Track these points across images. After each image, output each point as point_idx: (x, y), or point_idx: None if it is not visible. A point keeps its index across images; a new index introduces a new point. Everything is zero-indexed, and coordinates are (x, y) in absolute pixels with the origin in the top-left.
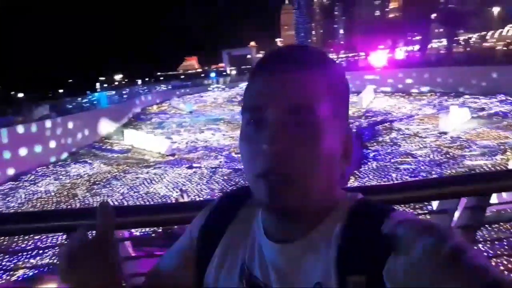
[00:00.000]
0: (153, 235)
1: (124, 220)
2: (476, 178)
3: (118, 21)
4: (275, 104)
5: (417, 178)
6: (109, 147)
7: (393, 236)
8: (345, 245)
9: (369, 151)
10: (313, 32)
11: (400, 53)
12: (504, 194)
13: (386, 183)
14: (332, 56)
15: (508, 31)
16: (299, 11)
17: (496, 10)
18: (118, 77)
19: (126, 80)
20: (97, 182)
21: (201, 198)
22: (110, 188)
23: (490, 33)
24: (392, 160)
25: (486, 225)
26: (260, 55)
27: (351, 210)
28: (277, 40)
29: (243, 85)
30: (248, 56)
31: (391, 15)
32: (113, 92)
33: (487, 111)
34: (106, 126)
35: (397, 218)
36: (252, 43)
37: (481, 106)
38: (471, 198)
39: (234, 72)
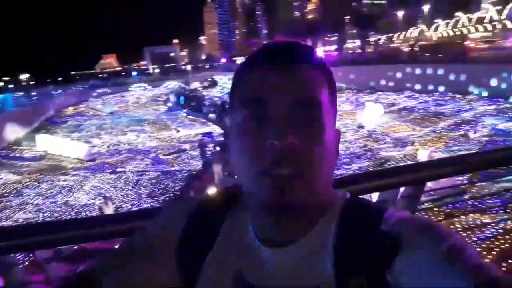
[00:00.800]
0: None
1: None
2: (414, 168)
3: (25, 16)
4: (281, 97)
5: (354, 173)
6: (18, 154)
7: (394, 236)
8: (343, 246)
9: None
10: (237, 31)
11: (319, 52)
12: (429, 183)
13: None
14: None
15: (411, 33)
16: (221, 9)
17: (400, 13)
18: (24, 76)
19: (34, 80)
20: (5, 194)
21: (128, 205)
22: (22, 200)
23: (396, 35)
24: None
25: (423, 212)
26: (184, 53)
27: (344, 209)
28: (201, 38)
29: (169, 83)
30: (172, 54)
31: (309, 16)
32: (20, 94)
33: (397, 106)
34: (13, 132)
35: (393, 217)
36: (175, 41)
37: (391, 102)
38: (408, 187)
39: (157, 70)
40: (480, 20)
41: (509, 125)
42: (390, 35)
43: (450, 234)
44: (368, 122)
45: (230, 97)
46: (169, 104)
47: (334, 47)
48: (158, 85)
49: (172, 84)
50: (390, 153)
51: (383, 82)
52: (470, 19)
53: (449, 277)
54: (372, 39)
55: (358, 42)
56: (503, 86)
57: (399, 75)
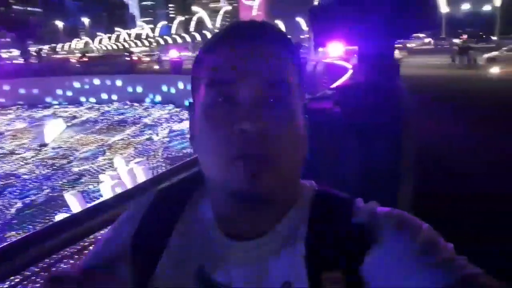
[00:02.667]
0: None
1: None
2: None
3: None
4: (252, 77)
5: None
6: None
7: (365, 228)
8: (314, 239)
9: None
10: None
11: None
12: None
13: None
14: None
15: (76, 44)
16: None
17: (60, 24)
18: None
19: None
20: None
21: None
22: None
23: (60, 45)
24: None
25: None
26: None
27: (314, 201)
28: None
29: None
30: None
31: None
32: None
33: (80, 118)
34: None
35: (364, 209)
36: None
37: (72, 115)
38: None
39: None
40: (139, 36)
41: (181, 125)
42: (53, 45)
43: (423, 228)
44: (51, 139)
45: (192, 78)
46: None
47: None
48: None
49: None
50: (83, 167)
51: (58, 94)
52: (129, 35)
53: (422, 273)
54: (33, 49)
55: (15, 52)
56: (172, 92)
57: (74, 86)
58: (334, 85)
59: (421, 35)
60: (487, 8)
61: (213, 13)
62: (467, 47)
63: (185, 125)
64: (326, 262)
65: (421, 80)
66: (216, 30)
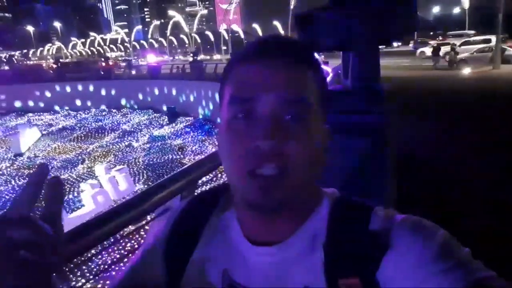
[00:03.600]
0: None
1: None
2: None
3: None
4: (270, 95)
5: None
6: None
7: (382, 234)
8: (332, 245)
9: None
10: None
11: None
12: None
13: None
14: None
15: (48, 49)
16: None
17: (30, 28)
18: None
19: None
20: None
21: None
22: None
23: (32, 51)
24: None
25: None
26: None
27: (333, 208)
28: None
29: None
30: None
31: None
32: None
33: (56, 126)
34: None
35: (382, 215)
36: None
37: (48, 122)
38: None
39: None
40: (114, 41)
41: (162, 131)
42: (25, 51)
43: (440, 232)
44: (26, 148)
45: (219, 93)
46: None
47: None
48: None
49: None
50: (62, 176)
51: (31, 102)
52: (104, 40)
53: (438, 277)
54: (3, 55)
55: None
56: (148, 98)
57: (49, 94)
58: None
59: None
60: (456, 10)
61: (190, 17)
62: (438, 48)
63: (165, 130)
64: (344, 268)
65: (403, 81)
66: (193, 34)
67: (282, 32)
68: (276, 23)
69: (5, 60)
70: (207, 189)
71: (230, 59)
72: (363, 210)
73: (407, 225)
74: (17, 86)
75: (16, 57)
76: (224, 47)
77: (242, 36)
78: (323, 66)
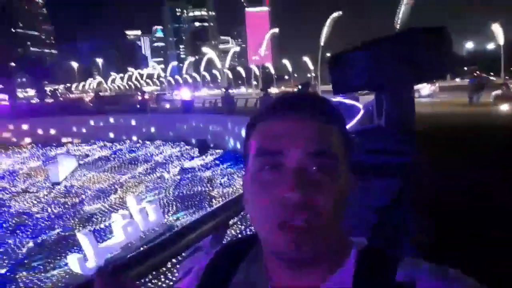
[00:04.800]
0: None
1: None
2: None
3: None
4: (297, 149)
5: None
6: None
7: (409, 285)
8: None
9: None
10: None
11: None
12: None
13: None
14: None
15: (90, 83)
16: None
17: (75, 64)
18: None
19: None
20: None
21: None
22: None
23: (74, 85)
24: (5, 225)
25: None
26: None
27: (359, 258)
28: None
29: None
30: None
31: None
32: None
33: (92, 156)
34: None
35: (408, 266)
36: None
37: (85, 153)
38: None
39: None
40: (150, 76)
41: (192, 163)
42: (68, 85)
43: (468, 282)
44: (63, 177)
45: (244, 146)
46: None
47: (3, 96)
48: None
49: None
50: (95, 206)
51: (73, 132)
52: (141, 75)
53: None
54: (48, 88)
55: (31, 92)
56: (181, 131)
57: (87, 125)
58: (348, 126)
59: None
60: (490, 46)
61: (222, 53)
62: (482, 84)
63: (196, 162)
64: None
65: (441, 118)
66: (226, 70)
67: (311, 67)
68: (306, 58)
69: (49, 94)
70: (236, 239)
71: (255, 114)
72: (390, 261)
73: (434, 275)
74: (59, 118)
75: (59, 90)
76: (254, 82)
77: (273, 71)
78: (354, 102)
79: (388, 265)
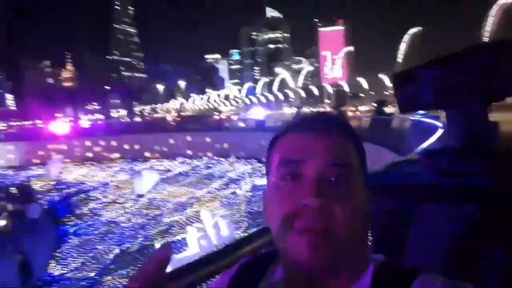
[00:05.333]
0: None
1: None
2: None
3: None
4: (316, 159)
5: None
6: None
7: None
8: None
9: (67, 227)
10: None
11: (84, 121)
12: None
13: None
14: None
15: (172, 104)
16: None
17: (160, 87)
18: None
19: None
20: None
21: None
22: None
23: (159, 106)
24: (96, 232)
25: None
26: None
27: (375, 274)
28: None
29: None
30: None
31: (66, 84)
32: None
33: (173, 172)
34: None
35: (425, 281)
36: None
37: (166, 168)
38: None
39: None
40: (227, 97)
41: (263, 180)
42: (154, 105)
43: None
44: (147, 190)
45: (266, 159)
46: None
47: (100, 116)
48: None
49: None
50: (173, 218)
51: (155, 149)
52: (219, 95)
53: None
54: (137, 109)
55: (122, 112)
56: (253, 149)
57: (169, 143)
58: (423, 146)
59: None
60: None
61: (295, 73)
62: None
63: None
64: None
65: None
66: (298, 89)
67: (388, 85)
68: (383, 75)
69: (138, 114)
70: (258, 254)
71: (281, 129)
72: (406, 276)
73: None
74: (146, 135)
75: (146, 110)
76: (327, 100)
77: (347, 89)
78: (433, 121)
79: (404, 280)
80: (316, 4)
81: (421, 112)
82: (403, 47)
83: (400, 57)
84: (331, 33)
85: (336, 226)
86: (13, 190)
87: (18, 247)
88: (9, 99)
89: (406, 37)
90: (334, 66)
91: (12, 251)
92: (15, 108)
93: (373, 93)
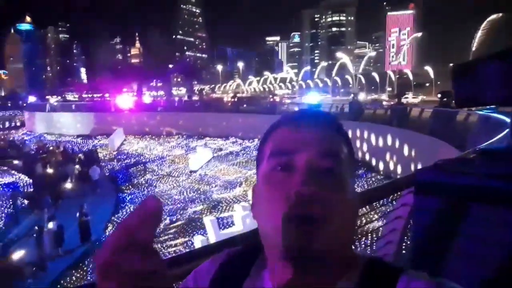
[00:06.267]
0: None
1: None
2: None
3: None
4: (307, 149)
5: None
6: None
7: None
8: None
9: (125, 194)
10: (48, 68)
11: (147, 97)
12: None
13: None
14: (74, 95)
15: (230, 85)
16: (30, 43)
17: (220, 67)
18: None
19: None
20: None
21: None
22: None
23: (217, 86)
24: None
25: None
26: None
27: (364, 269)
28: (1, 72)
29: None
30: None
31: (133, 61)
32: None
33: (224, 151)
34: None
35: (410, 276)
36: None
37: (219, 147)
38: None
39: None
40: (283, 80)
41: None
42: (212, 85)
43: None
44: (199, 166)
45: (258, 151)
46: None
47: (161, 92)
48: None
49: None
50: (222, 195)
51: (210, 128)
52: (275, 78)
53: None
54: (196, 88)
55: (183, 90)
56: None
57: (224, 122)
58: (484, 144)
59: None
60: None
61: (357, 58)
62: None
63: None
64: None
65: None
66: (359, 75)
67: None
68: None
69: (197, 93)
70: (244, 245)
71: (274, 122)
72: (392, 272)
73: (429, 284)
74: (202, 114)
75: (205, 90)
76: (389, 88)
77: (411, 77)
78: (504, 117)
79: (390, 275)
80: None
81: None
82: (479, 35)
83: (474, 46)
84: (400, 17)
85: (327, 214)
86: (81, 156)
87: (81, 208)
88: (82, 73)
89: (484, 25)
90: (399, 53)
91: (75, 212)
92: (86, 81)
93: (439, 83)
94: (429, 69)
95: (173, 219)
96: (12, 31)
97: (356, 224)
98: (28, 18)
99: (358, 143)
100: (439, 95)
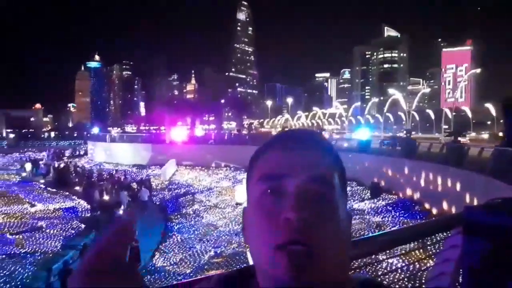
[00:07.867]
0: None
1: None
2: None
3: None
4: (296, 173)
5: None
6: None
7: None
8: None
9: (173, 224)
10: (111, 102)
11: (199, 130)
12: None
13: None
14: (132, 127)
15: (278, 120)
16: (96, 79)
17: (269, 102)
18: None
19: None
20: None
21: None
22: None
23: (266, 120)
24: (196, 232)
25: None
26: (47, 119)
27: None
28: (70, 105)
29: (26, 150)
30: (32, 119)
31: (188, 96)
32: None
33: None
34: None
35: None
36: (38, 105)
37: None
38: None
39: (12, 135)
40: (332, 115)
41: (362, 204)
42: (262, 120)
43: None
44: (245, 198)
45: (247, 175)
46: (24, 174)
47: (212, 126)
48: (12, 151)
49: (30, 151)
50: None
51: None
52: (324, 114)
53: None
54: (246, 122)
55: (233, 124)
56: (354, 170)
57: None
58: None
59: None
60: None
61: (410, 95)
62: None
63: (366, 205)
64: None
65: None
66: (412, 112)
67: None
68: None
69: (246, 127)
70: (235, 270)
71: (262, 145)
72: None
73: None
74: (250, 147)
75: (254, 124)
76: (445, 126)
77: (470, 115)
78: None
79: None
80: (441, 23)
81: None
82: None
83: None
84: (457, 53)
85: (319, 241)
86: (134, 185)
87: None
88: (141, 106)
89: None
90: (456, 90)
91: None
92: (144, 114)
93: (502, 121)
94: (489, 106)
95: (217, 251)
96: (82, 68)
97: (350, 248)
98: (97, 57)
99: (411, 183)
100: (500, 134)
